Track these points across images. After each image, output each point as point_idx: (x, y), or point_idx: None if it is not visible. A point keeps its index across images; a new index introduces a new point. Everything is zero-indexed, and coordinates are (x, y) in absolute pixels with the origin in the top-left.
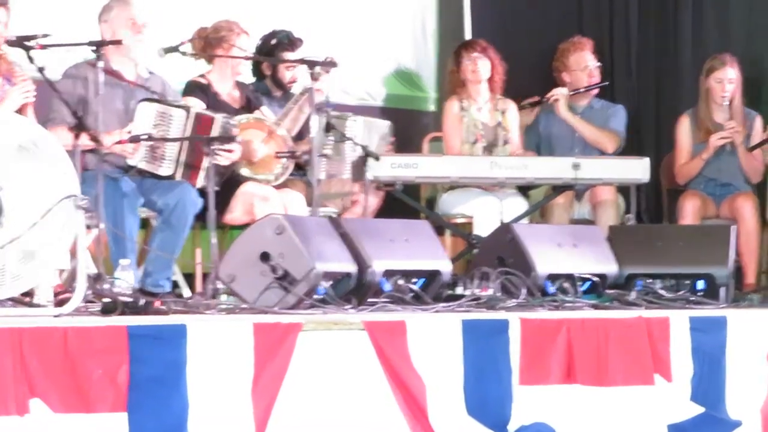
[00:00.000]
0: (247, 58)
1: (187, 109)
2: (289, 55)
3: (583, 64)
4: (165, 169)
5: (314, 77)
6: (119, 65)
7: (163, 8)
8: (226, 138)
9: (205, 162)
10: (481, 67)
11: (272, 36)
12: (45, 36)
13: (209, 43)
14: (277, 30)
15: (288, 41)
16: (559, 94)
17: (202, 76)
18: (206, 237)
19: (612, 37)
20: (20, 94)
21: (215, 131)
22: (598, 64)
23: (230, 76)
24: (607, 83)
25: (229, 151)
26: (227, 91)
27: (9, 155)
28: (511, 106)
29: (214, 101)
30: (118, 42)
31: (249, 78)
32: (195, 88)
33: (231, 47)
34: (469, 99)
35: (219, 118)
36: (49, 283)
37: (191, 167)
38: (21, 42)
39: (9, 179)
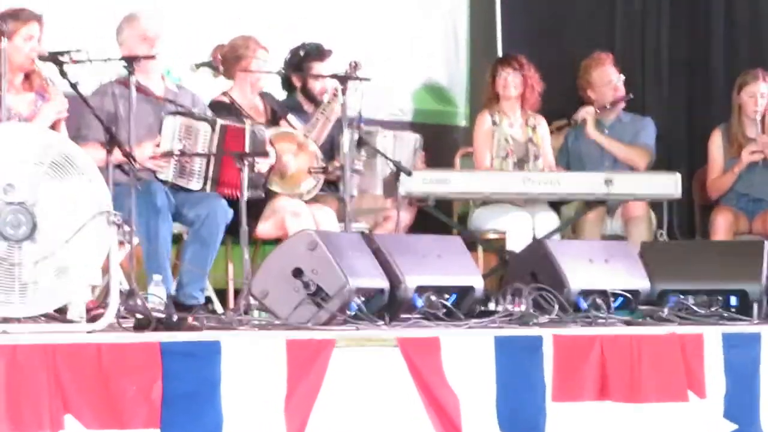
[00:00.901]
0: (276, 73)
1: (212, 122)
2: (318, 66)
3: (606, 78)
4: (195, 183)
5: (345, 92)
6: (146, 81)
7: (191, 22)
8: (258, 152)
9: (241, 174)
10: (512, 83)
11: (301, 48)
12: (77, 51)
13: (227, 60)
14: (306, 42)
15: (317, 52)
16: (586, 113)
17: (224, 93)
18: (238, 252)
19: (643, 50)
20: (53, 110)
21: (247, 140)
22: (622, 77)
23: (252, 92)
24: (632, 96)
25: (265, 156)
26: (250, 106)
27: (42, 171)
28: (542, 122)
29: (238, 117)
30: (151, 57)
31: (280, 93)
32: (218, 108)
33: (250, 63)
34: (501, 113)
35: (248, 125)
36: (82, 299)
37: (222, 181)
38: (54, 57)
39: (42, 195)
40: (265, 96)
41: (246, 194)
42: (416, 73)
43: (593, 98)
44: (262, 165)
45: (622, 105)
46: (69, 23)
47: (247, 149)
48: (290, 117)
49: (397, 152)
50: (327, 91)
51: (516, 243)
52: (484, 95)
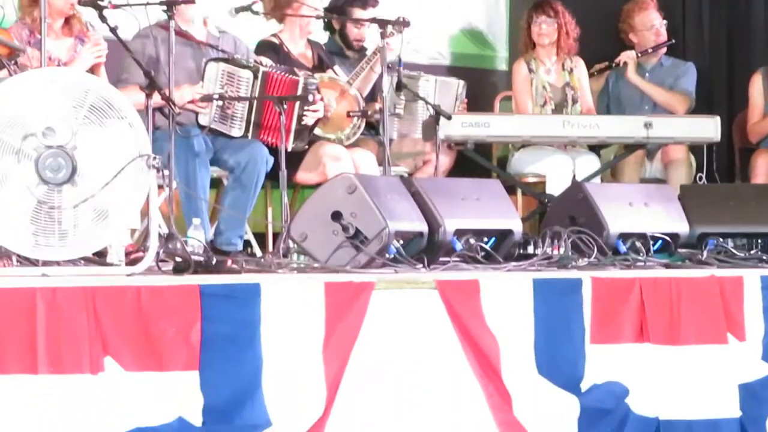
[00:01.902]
0: (316, 17)
1: (254, 69)
2: (359, 13)
3: (649, 23)
4: (236, 130)
5: (386, 36)
6: (188, 26)
7: None
8: (300, 97)
9: (281, 121)
10: (546, 30)
11: None
12: None
13: (279, 2)
14: None
15: None
16: (627, 57)
17: (273, 35)
18: (278, 196)
19: None
20: (91, 54)
21: (299, 91)
22: (665, 21)
23: (301, 36)
24: (674, 41)
25: (314, 110)
26: (299, 51)
27: (82, 115)
28: (579, 64)
29: (285, 60)
30: (190, 1)
31: (321, 33)
32: (266, 48)
33: (301, 6)
34: (537, 60)
35: (301, 78)
36: (121, 243)
37: (263, 127)
38: (94, 2)
39: (82, 139)
40: (313, 44)
41: (290, 146)
42: (456, 17)
43: (635, 42)
44: (309, 118)
45: (664, 50)
46: None
47: (296, 101)
48: (336, 68)
49: (440, 97)
50: (364, 40)
51: (555, 186)
52: (520, 42)
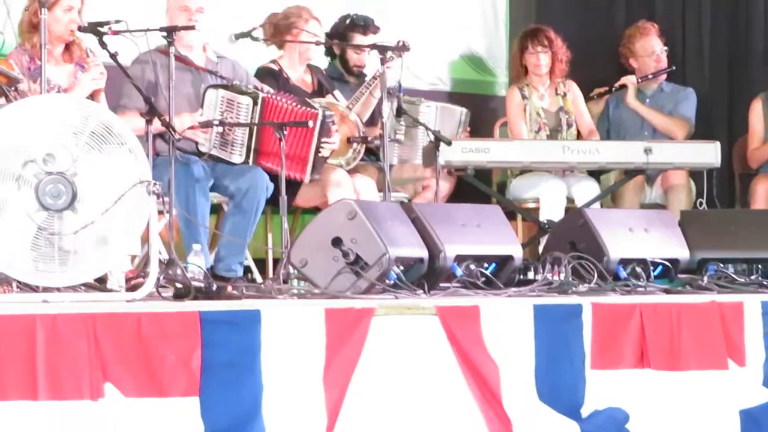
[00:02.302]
0: (316, 43)
1: (254, 95)
2: (360, 39)
3: (650, 49)
4: (237, 156)
5: (386, 62)
6: (187, 51)
7: None
8: (299, 123)
9: (282, 145)
10: (543, 60)
11: (347, 17)
12: (117, 22)
13: (279, 28)
14: (355, 14)
15: (362, 24)
16: (628, 81)
17: (273, 61)
18: (278, 222)
19: (684, 19)
20: (90, 80)
21: (318, 124)
22: (665, 48)
23: (300, 62)
24: (674, 68)
25: (331, 142)
26: (298, 76)
27: (82, 141)
28: (572, 87)
29: (285, 86)
30: (190, 28)
31: (321, 58)
32: (266, 74)
33: (300, 33)
34: (530, 87)
35: (320, 111)
36: (121, 269)
37: (263, 153)
38: (94, 28)
39: (82, 165)
40: (313, 69)
41: (307, 177)
42: (456, 42)
43: (635, 67)
44: (325, 150)
45: (664, 76)
46: None
47: (315, 133)
48: (336, 92)
49: (441, 123)
50: (364, 65)
51: (549, 211)
52: (513, 70)
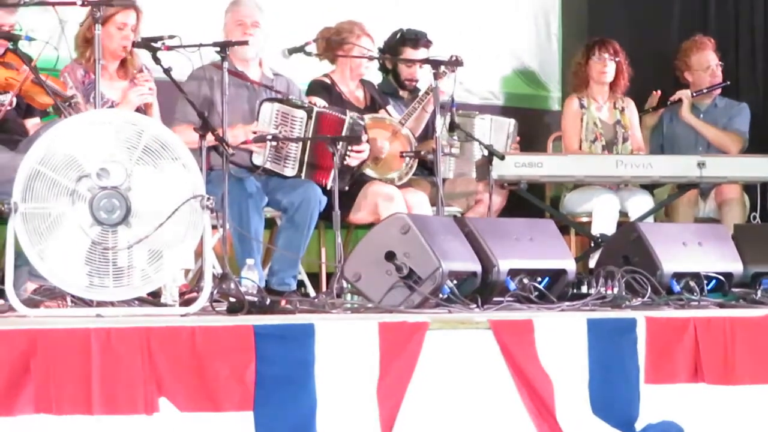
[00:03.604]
0: (369, 58)
1: (308, 109)
2: (410, 52)
3: (706, 63)
4: (290, 170)
5: (438, 76)
6: (243, 66)
7: (290, 9)
8: (352, 138)
9: (334, 161)
10: (610, 69)
11: (399, 32)
12: (171, 37)
13: (331, 43)
14: (407, 29)
15: (413, 38)
16: (683, 95)
17: (325, 75)
18: (331, 236)
19: (737, 34)
20: (138, 95)
21: (345, 131)
22: (721, 63)
23: (353, 77)
24: (729, 83)
25: (359, 151)
26: (351, 91)
27: (136, 156)
28: (630, 104)
29: (337, 100)
30: (243, 43)
31: (375, 74)
32: (318, 88)
33: (353, 48)
34: (589, 97)
35: (347, 118)
36: (175, 283)
37: (316, 167)
38: (147, 43)
39: (136, 180)
40: (365, 84)
41: (329, 183)
42: (508, 57)
43: (690, 81)
44: (353, 159)
45: (719, 90)
46: (165, 10)
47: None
48: (389, 107)
49: (494, 136)
50: (417, 80)
51: (601, 225)
52: (575, 78)
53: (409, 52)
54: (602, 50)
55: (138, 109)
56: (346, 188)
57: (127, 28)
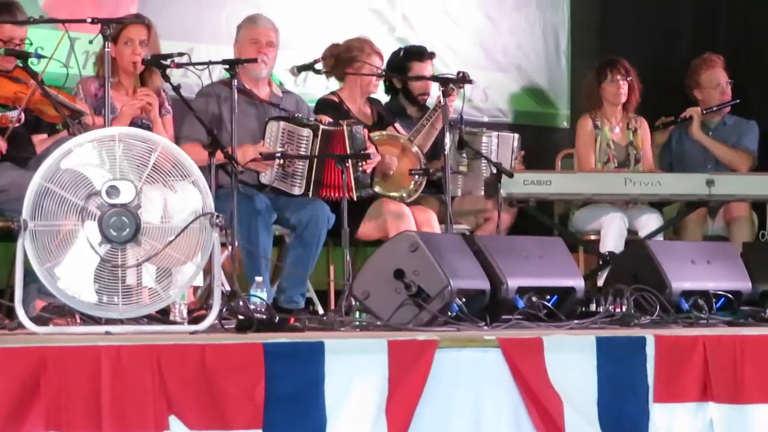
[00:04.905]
0: (378, 76)
1: (314, 128)
2: (419, 66)
3: (716, 81)
4: (297, 188)
5: (447, 94)
6: (252, 84)
7: (299, 26)
8: (360, 154)
9: (343, 178)
10: (623, 90)
11: (401, 49)
12: (180, 55)
13: (340, 61)
14: (408, 45)
15: (417, 53)
16: (693, 112)
17: (333, 93)
18: (340, 254)
19: (748, 51)
20: (130, 106)
21: (347, 141)
22: (731, 80)
23: (361, 95)
24: (738, 101)
25: (366, 155)
26: (359, 109)
27: (146, 174)
28: (643, 124)
29: (345, 118)
30: (252, 60)
31: (382, 95)
32: (326, 106)
33: (362, 66)
34: (603, 118)
35: (345, 128)
36: (184, 301)
37: (324, 185)
38: (156, 60)
39: (146, 197)
40: (373, 102)
41: (356, 195)
42: (517, 75)
43: (699, 99)
44: (368, 165)
45: (728, 108)
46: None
47: (348, 151)
48: (397, 125)
49: (501, 153)
50: (427, 91)
51: (610, 243)
52: (588, 99)
53: (417, 66)
54: (614, 72)
55: (142, 125)
56: (372, 192)
57: (134, 43)
